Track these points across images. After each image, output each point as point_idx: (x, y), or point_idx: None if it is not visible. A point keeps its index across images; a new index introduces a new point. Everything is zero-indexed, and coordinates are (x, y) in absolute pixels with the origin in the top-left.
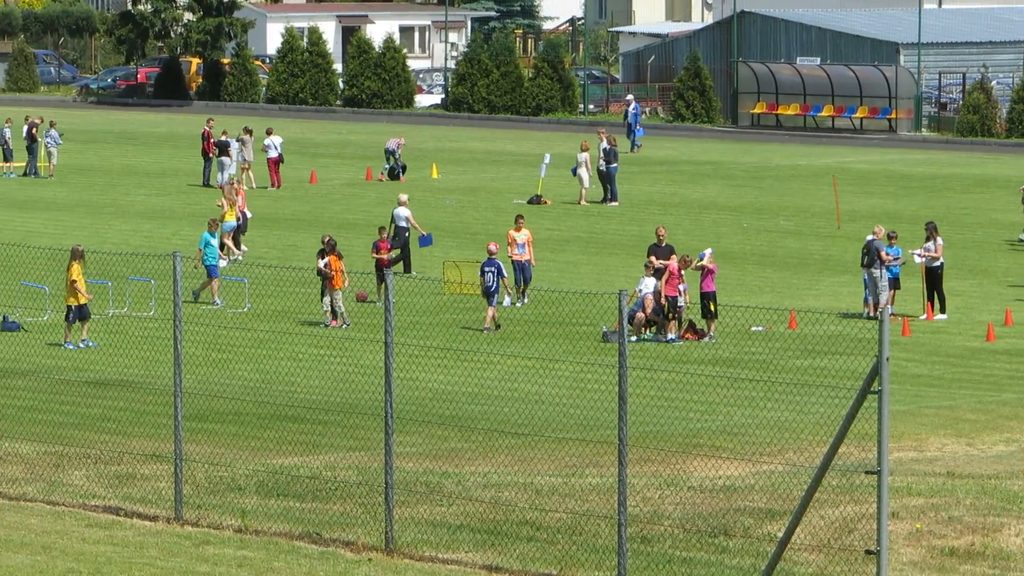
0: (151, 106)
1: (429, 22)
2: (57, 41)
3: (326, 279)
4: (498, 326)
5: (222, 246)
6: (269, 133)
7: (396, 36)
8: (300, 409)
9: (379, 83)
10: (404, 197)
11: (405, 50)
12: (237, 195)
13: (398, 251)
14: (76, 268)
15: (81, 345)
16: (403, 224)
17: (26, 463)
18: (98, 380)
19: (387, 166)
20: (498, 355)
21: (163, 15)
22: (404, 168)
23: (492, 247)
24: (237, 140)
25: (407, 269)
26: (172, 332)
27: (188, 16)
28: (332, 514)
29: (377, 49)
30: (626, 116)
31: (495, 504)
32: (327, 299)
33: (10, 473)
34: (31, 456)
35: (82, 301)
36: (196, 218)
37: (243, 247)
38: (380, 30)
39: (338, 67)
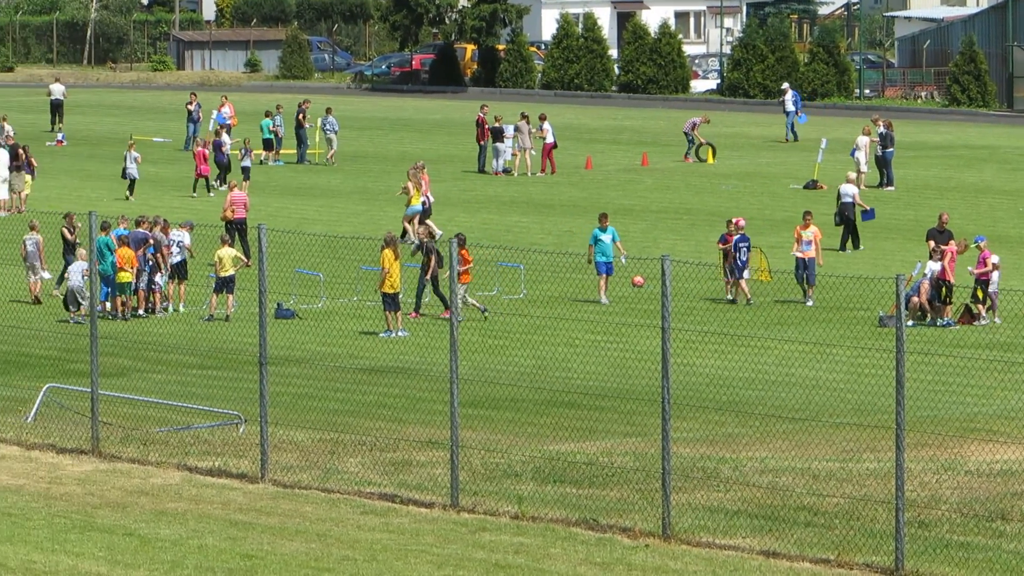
0: (426, 93)
1: (704, 7)
2: (331, 28)
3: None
4: (748, 301)
5: (403, 232)
6: (543, 119)
7: (671, 21)
8: (576, 395)
9: (654, 69)
10: (852, 175)
11: (680, 35)
12: (423, 179)
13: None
14: (388, 255)
15: (400, 334)
16: (848, 200)
17: (301, 451)
18: (373, 367)
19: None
20: (775, 340)
21: (438, 1)
22: (698, 147)
23: (741, 222)
24: (514, 127)
25: (856, 245)
26: (449, 318)
27: (463, 2)
28: (609, 500)
29: (652, 35)
30: (783, 104)
31: (772, 489)
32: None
33: (285, 461)
34: (306, 444)
35: (392, 290)
36: (471, 204)
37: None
38: (655, 15)
39: (613, 53)
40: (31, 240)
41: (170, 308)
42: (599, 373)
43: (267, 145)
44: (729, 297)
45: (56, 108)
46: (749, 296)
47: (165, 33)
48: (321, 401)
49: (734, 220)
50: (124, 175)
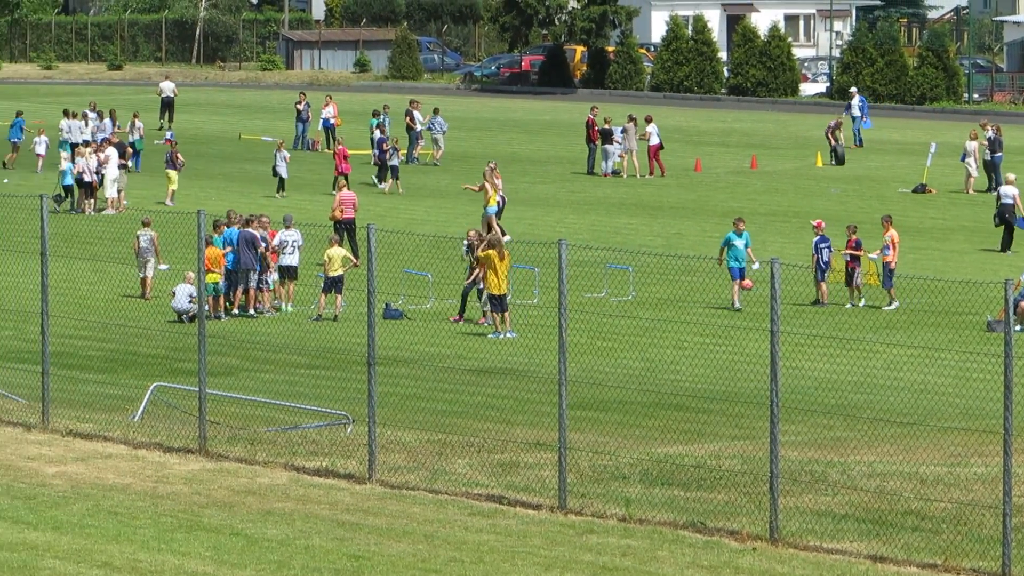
0: (535, 94)
1: (814, 10)
2: (440, 28)
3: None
4: (822, 302)
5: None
6: (649, 121)
7: (781, 24)
8: (684, 397)
9: (764, 71)
10: (1012, 176)
11: (790, 38)
12: (497, 179)
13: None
14: (493, 256)
15: (508, 335)
16: (1008, 201)
17: (409, 451)
18: (481, 368)
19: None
20: (882, 344)
21: (547, 2)
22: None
23: (821, 224)
24: (622, 129)
25: (1005, 248)
26: (556, 320)
27: (572, 3)
28: (716, 503)
29: (762, 37)
30: (849, 108)
31: (880, 494)
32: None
33: (393, 461)
34: (414, 444)
35: (498, 291)
36: (580, 206)
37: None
38: (765, 18)
39: (723, 55)
40: (145, 236)
41: (283, 307)
42: (707, 376)
43: (375, 145)
44: (818, 300)
45: (166, 106)
46: (825, 298)
47: (274, 32)
48: (429, 402)
49: (814, 222)
50: (274, 173)
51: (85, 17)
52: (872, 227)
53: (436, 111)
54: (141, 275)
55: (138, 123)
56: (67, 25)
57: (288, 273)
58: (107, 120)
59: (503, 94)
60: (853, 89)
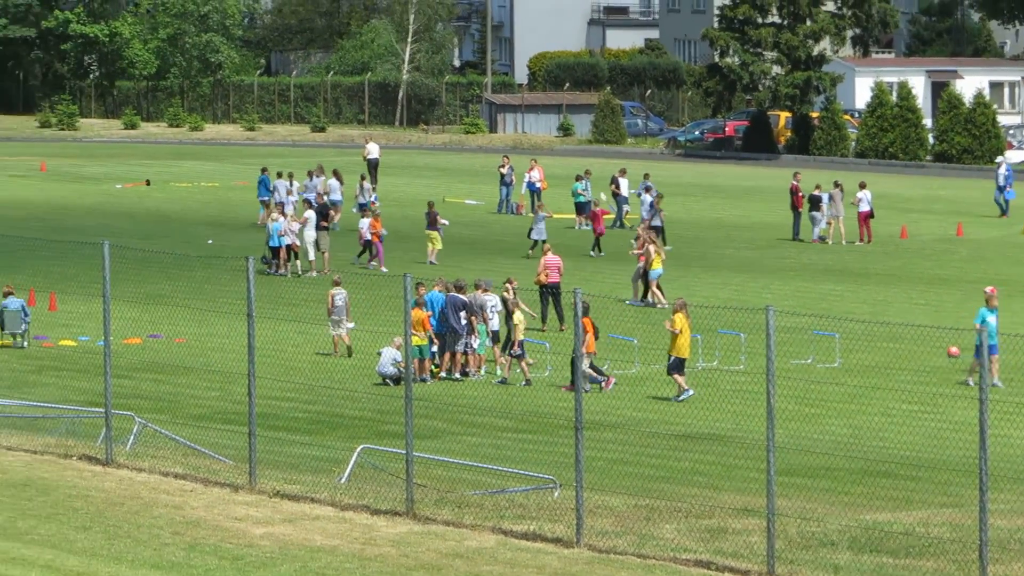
0: (739, 159)
1: (1019, 78)
2: (644, 93)
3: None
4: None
5: (646, 292)
6: (862, 187)
7: (986, 91)
8: (892, 464)
9: (969, 138)
10: None
11: (995, 105)
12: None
13: None
14: (680, 319)
15: (679, 398)
16: None
17: (616, 516)
18: (688, 433)
19: None
20: None
21: (751, 68)
22: None
23: (992, 290)
24: (828, 195)
25: None
26: (764, 386)
27: (776, 69)
28: (925, 571)
29: (967, 104)
30: (996, 178)
31: None
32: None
33: (600, 526)
34: (621, 509)
35: (679, 354)
36: (785, 272)
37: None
38: (970, 85)
39: (928, 122)
40: (340, 295)
41: (493, 371)
42: (915, 443)
43: (578, 209)
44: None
45: (372, 168)
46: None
47: (477, 95)
48: (635, 467)
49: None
50: (530, 235)
51: (288, 79)
52: None
53: (647, 176)
54: (334, 333)
55: (366, 185)
56: (270, 87)
57: (494, 337)
58: (333, 180)
59: (706, 159)
60: (1000, 159)
